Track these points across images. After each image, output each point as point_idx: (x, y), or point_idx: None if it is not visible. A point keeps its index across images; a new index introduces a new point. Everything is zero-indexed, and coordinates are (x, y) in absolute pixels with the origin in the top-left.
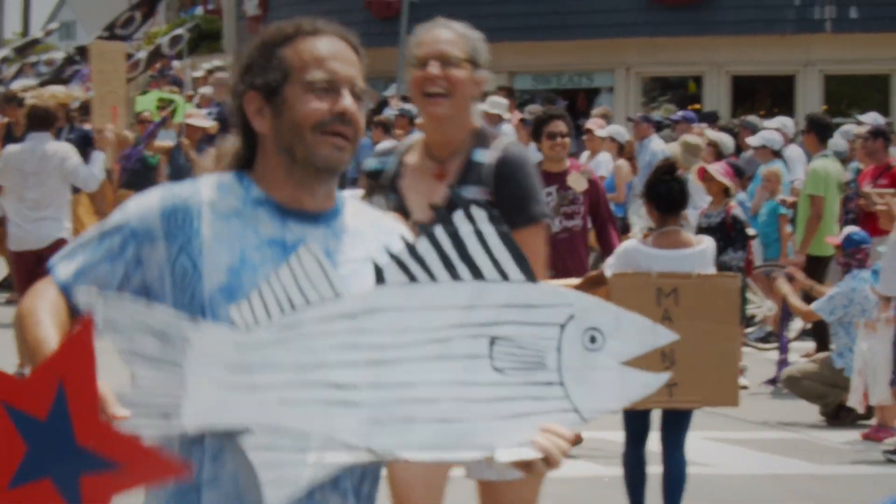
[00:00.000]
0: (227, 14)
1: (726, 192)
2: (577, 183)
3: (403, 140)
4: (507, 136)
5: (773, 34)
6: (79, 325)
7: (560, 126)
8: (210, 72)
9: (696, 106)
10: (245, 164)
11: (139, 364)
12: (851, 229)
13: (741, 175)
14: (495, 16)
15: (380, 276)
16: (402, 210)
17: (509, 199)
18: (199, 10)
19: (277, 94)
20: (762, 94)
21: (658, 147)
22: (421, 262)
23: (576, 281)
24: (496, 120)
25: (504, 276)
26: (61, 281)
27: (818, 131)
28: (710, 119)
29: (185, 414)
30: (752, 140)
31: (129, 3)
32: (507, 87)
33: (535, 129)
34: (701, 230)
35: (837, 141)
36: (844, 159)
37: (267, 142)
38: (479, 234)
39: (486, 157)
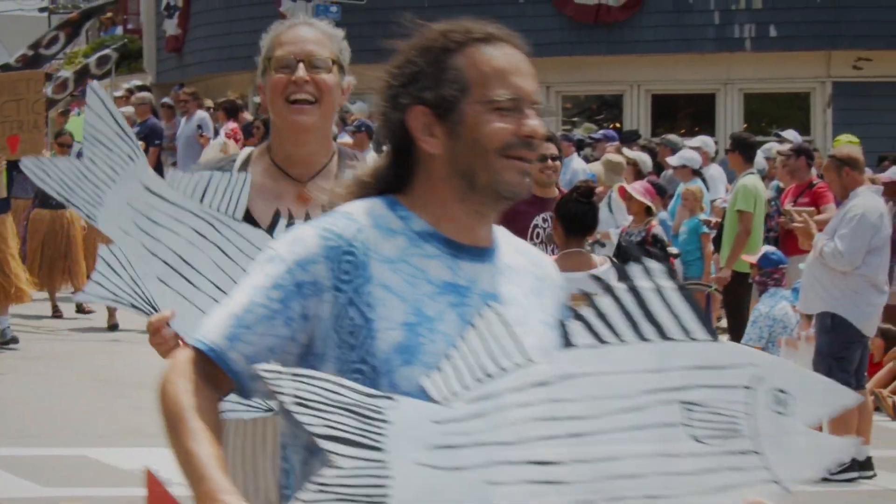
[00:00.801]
0: (146, 34)
1: (648, 211)
2: None
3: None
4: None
5: (692, 53)
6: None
7: (550, 148)
8: (130, 91)
9: (617, 125)
10: (392, 187)
11: (335, 445)
12: (768, 249)
13: (662, 194)
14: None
15: (566, 338)
16: None
17: None
18: (119, 31)
19: (453, 112)
20: (683, 113)
21: (579, 166)
22: (606, 322)
23: None
24: None
25: (688, 335)
26: (212, 347)
27: (742, 150)
28: (632, 138)
29: (394, 500)
30: (671, 159)
31: (49, 24)
32: None
33: None
34: (621, 248)
35: (758, 160)
36: (764, 177)
37: (435, 164)
38: (660, 291)
39: None
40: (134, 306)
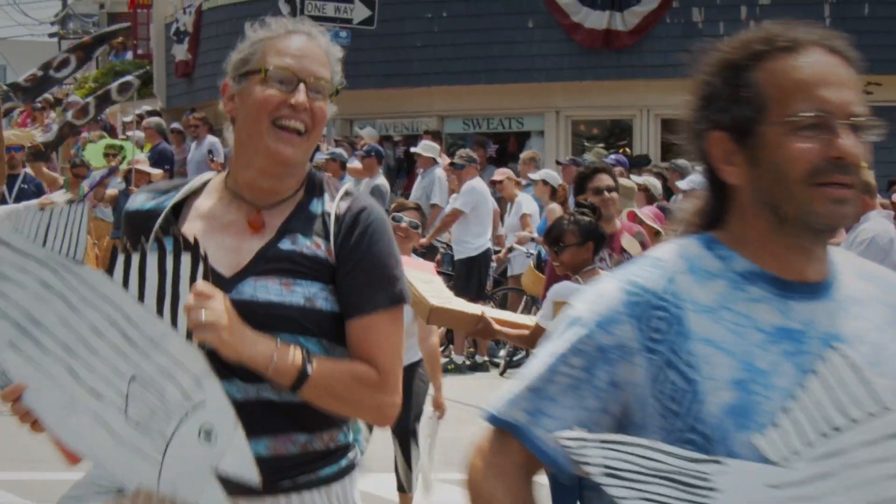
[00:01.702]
0: (156, 59)
1: (657, 236)
2: (632, 247)
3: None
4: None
5: None
6: None
7: (606, 179)
8: (141, 116)
9: (626, 149)
10: (711, 223)
11: None
12: None
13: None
14: (425, 60)
15: None
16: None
17: (361, 270)
18: (129, 56)
19: (750, 135)
20: None
21: None
22: None
23: (513, 317)
24: (430, 163)
25: None
26: (515, 424)
27: None
28: (641, 163)
29: None
30: (681, 183)
31: (59, 50)
32: (434, 131)
33: (578, 185)
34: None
35: None
36: None
37: (742, 196)
38: None
39: (329, 207)
40: None
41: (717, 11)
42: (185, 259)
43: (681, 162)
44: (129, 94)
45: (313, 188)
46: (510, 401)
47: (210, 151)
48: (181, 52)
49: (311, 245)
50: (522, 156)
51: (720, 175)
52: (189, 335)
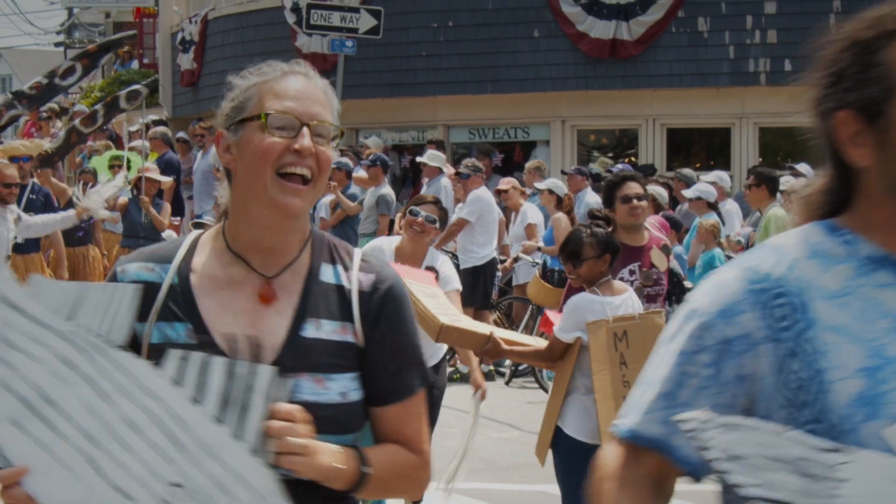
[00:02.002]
0: (162, 68)
1: (663, 248)
2: (660, 261)
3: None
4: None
5: (707, 87)
6: None
7: (635, 188)
8: (147, 126)
9: (632, 159)
10: (834, 207)
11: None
12: None
13: (677, 228)
14: (431, 69)
15: None
16: (209, 344)
17: (395, 354)
18: (135, 65)
19: (880, 116)
20: (698, 147)
21: (593, 199)
22: None
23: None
24: (436, 173)
25: None
26: (652, 438)
27: (768, 184)
28: (647, 172)
29: None
30: (687, 192)
31: (64, 58)
32: (437, 141)
33: (608, 194)
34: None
35: None
36: None
37: (869, 179)
38: None
39: (346, 279)
40: None
41: (723, 21)
42: (264, 372)
43: (686, 171)
44: (138, 103)
45: (321, 251)
46: (645, 414)
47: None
48: (187, 61)
49: (338, 330)
50: (528, 165)
51: (846, 157)
52: (257, 449)
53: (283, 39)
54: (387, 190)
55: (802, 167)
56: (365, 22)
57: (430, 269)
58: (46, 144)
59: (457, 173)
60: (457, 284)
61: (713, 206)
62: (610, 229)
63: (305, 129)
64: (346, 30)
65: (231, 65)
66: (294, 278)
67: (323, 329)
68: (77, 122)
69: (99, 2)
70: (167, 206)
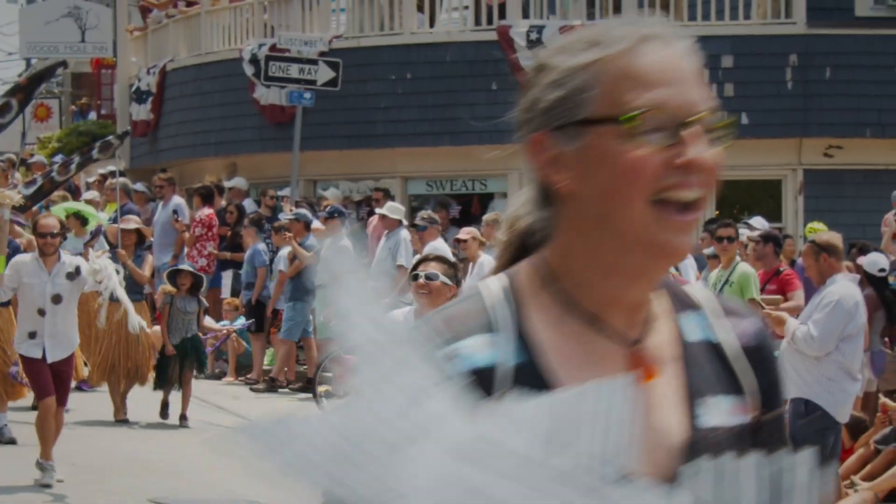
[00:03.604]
0: (120, 119)
1: None
2: None
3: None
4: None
5: None
6: None
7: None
8: (104, 177)
9: None
10: None
11: None
12: None
13: None
14: (389, 122)
15: None
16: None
17: (778, 428)
18: (93, 115)
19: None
20: None
21: None
22: None
23: None
24: (395, 225)
25: None
26: None
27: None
28: None
29: None
30: None
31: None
32: (384, 189)
33: None
34: None
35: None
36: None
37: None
38: None
39: (719, 334)
40: None
41: None
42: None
43: None
44: (110, 153)
45: (675, 298)
46: None
47: (175, 212)
48: (143, 111)
49: (733, 410)
50: (485, 218)
51: None
52: None
53: (241, 91)
54: (345, 241)
55: (756, 221)
56: (323, 74)
57: None
58: (16, 196)
59: (413, 225)
60: None
61: None
62: None
63: (692, 131)
64: (304, 81)
65: (189, 116)
66: (662, 343)
67: (718, 415)
68: (55, 170)
69: (57, 53)
70: (149, 258)
